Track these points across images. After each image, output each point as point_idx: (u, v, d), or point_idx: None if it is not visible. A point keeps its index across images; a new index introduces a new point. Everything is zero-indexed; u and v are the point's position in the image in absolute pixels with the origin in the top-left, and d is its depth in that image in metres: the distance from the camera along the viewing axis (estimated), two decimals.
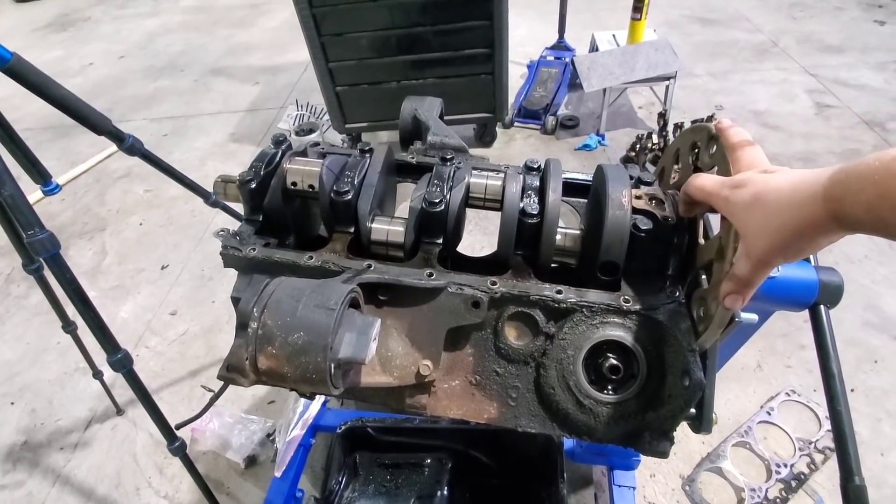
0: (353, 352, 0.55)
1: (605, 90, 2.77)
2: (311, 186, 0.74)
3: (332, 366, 0.53)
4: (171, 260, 2.54)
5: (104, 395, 1.86)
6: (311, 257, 0.69)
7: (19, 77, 0.93)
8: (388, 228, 0.72)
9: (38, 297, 2.38)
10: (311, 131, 3.05)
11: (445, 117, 1.03)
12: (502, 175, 0.75)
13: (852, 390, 1.73)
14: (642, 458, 1.41)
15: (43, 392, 2.00)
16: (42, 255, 0.85)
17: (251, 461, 1.68)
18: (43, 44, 5.22)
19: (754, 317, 0.64)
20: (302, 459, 1.50)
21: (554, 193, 0.68)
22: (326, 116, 3.04)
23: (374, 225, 0.72)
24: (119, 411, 1.88)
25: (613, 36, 3.17)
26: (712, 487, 1.55)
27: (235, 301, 0.69)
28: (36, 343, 2.19)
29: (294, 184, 0.74)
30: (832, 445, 1.62)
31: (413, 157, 0.86)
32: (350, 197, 0.71)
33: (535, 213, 0.68)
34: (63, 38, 5.33)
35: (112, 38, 5.18)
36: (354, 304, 0.61)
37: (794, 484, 1.53)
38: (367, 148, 0.80)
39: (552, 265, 0.72)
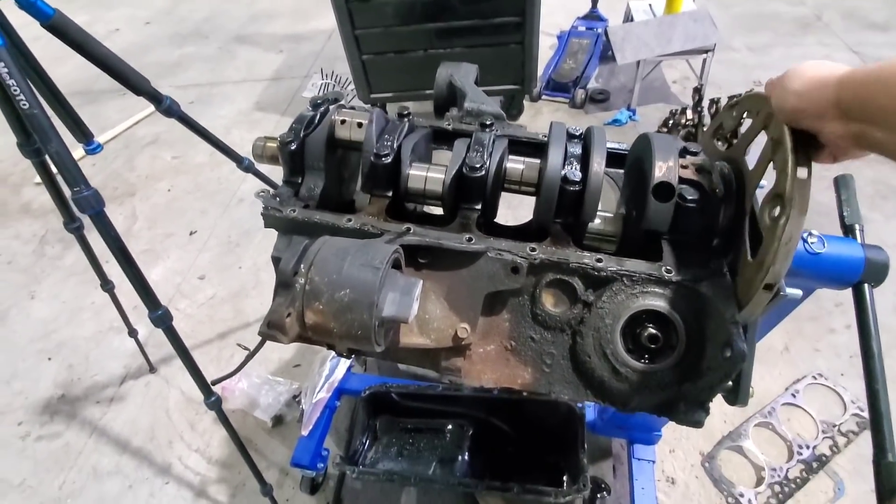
0: (397, 311, 0.55)
1: (638, 63, 2.68)
2: (360, 124, 0.74)
3: (377, 323, 0.54)
4: (198, 226, 2.59)
5: (137, 354, 1.93)
6: (349, 219, 0.70)
7: (61, 33, 0.94)
8: (427, 175, 0.72)
9: (73, 259, 2.47)
10: (335, 101, 3.02)
11: (479, 85, 1.02)
12: (537, 161, 0.74)
13: None
14: (662, 433, 1.42)
15: (79, 349, 2.09)
16: (87, 212, 0.87)
17: (278, 420, 1.74)
18: (68, 8, 5.12)
19: (798, 292, 0.63)
20: (327, 420, 1.55)
21: (598, 158, 0.66)
22: (351, 86, 3.01)
23: (412, 171, 0.72)
24: (152, 369, 1.95)
25: (650, 5, 3.05)
26: (732, 465, 1.55)
27: (276, 260, 0.70)
28: (72, 302, 2.28)
29: (343, 121, 0.75)
30: (856, 429, 1.61)
31: (449, 124, 0.85)
32: (390, 160, 0.71)
33: (578, 180, 0.67)
34: (88, 2, 5.33)
35: (137, 3, 5.17)
36: (396, 265, 0.61)
37: (815, 465, 1.52)
38: (405, 112, 0.79)
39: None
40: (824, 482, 1.50)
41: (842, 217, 0.84)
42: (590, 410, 1.44)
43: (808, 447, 1.55)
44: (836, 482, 1.49)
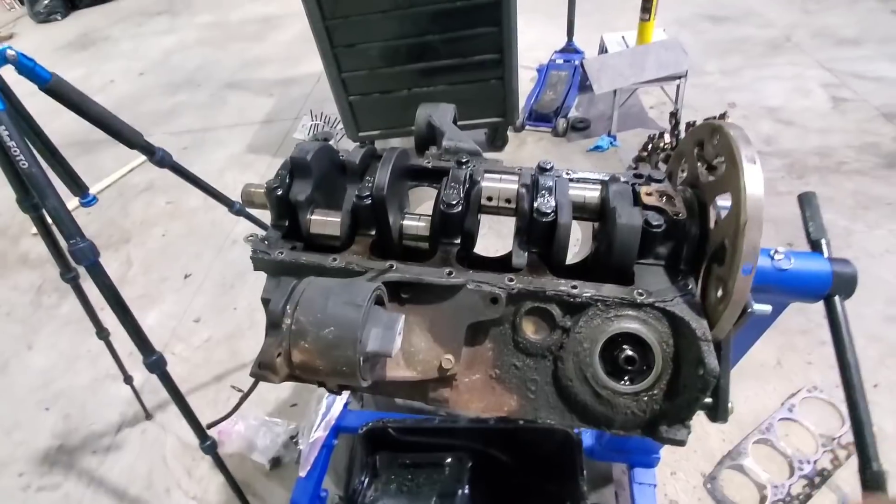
0: (381, 345, 0.58)
1: (615, 91, 2.79)
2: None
3: (361, 359, 0.56)
4: (193, 269, 2.61)
5: (133, 401, 1.92)
6: (335, 259, 0.73)
7: (58, 95, 0.99)
8: (417, 224, 0.75)
9: (69, 308, 2.47)
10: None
11: (457, 123, 1.07)
12: (516, 178, 0.78)
13: (875, 386, 1.71)
14: (662, 455, 1.41)
15: (76, 398, 2.07)
16: (83, 264, 0.90)
17: (276, 462, 1.72)
18: (66, 62, 5.40)
19: (767, 308, 0.65)
20: (325, 460, 1.54)
21: (566, 193, 0.70)
22: (340, 126, 3.10)
23: (405, 222, 0.76)
24: (148, 416, 1.94)
25: (623, 37, 3.18)
26: (734, 485, 1.54)
27: (266, 302, 0.73)
28: (68, 351, 2.27)
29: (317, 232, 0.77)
30: None
31: (429, 162, 0.89)
32: (371, 202, 0.74)
33: (550, 211, 0.70)
34: (85, 56, 5.51)
35: (131, 55, 5.34)
36: (379, 302, 0.64)
37: (817, 480, 1.51)
38: (377, 154, 0.84)
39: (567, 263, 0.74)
40: (828, 497, 1.49)
41: (808, 233, 0.87)
42: (588, 436, 1.44)
43: (808, 462, 1.55)
44: (840, 496, 1.48)
